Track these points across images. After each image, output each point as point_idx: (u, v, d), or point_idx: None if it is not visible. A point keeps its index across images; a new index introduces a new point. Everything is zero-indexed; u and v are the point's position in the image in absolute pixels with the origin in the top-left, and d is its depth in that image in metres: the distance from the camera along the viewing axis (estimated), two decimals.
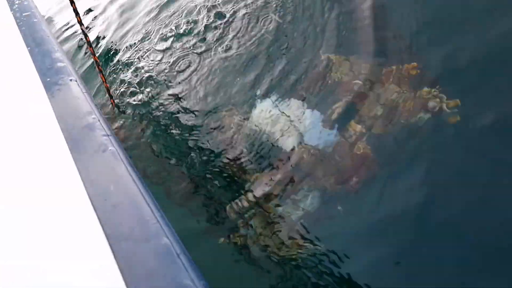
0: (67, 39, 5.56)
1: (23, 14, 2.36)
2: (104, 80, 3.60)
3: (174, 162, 3.40)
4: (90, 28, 5.48)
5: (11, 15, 2.37)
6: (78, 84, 1.77)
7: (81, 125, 1.55)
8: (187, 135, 3.52)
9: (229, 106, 3.52)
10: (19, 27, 2.23)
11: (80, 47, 5.24)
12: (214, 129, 3.43)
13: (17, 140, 1.55)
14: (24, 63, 1.93)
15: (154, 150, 3.58)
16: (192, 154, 3.33)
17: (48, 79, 1.81)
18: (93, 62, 4.01)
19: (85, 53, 4.99)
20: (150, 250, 1.15)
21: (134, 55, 4.54)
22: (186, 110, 3.69)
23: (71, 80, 1.79)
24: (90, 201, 1.25)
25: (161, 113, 3.80)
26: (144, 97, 4.00)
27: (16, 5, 2.47)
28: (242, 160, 3.11)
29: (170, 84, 3.98)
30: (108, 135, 1.50)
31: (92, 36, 5.17)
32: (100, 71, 3.60)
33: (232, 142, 3.28)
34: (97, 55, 4.83)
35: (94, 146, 1.45)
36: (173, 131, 3.60)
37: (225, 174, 3.11)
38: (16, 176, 1.44)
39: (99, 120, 1.56)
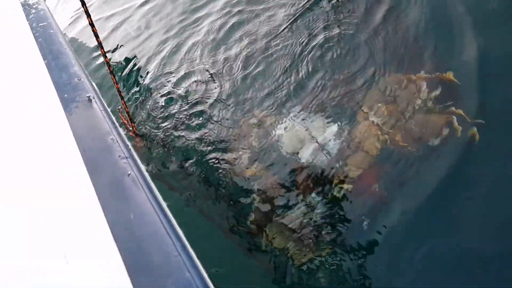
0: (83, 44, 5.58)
1: (40, 24, 2.34)
2: (114, 81, 3.54)
3: (190, 166, 3.41)
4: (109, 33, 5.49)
5: (28, 25, 2.35)
6: (96, 101, 1.74)
7: (99, 146, 1.52)
8: (206, 143, 3.54)
9: (254, 117, 3.53)
10: (36, 38, 2.21)
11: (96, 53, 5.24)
12: (235, 138, 3.44)
13: (36, 160, 1.53)
14: (42, 77, 1.91)
15: (171, 153, 3.59)
16: (213, 163, 3.35)
17: (66, 95, 1.79)
18: (108, 70, 4.00)
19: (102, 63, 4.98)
20: (171, 285, 1.12)
21: (152, 64, 4.55)
22: (211, 120, 3.70)
23: (88, 97, 1.76)
24: (110, 230, 1.23)
25: (178, 118, 3.81)
26: (160, 103, 4.00)
27: (33, 15, 2.46)
28: (261, 168, 3.11)
29: (189, 96, 3.98)
30: (127, 157, 1.47)
31: (110, 41, 5.19)
32: (111, 72, 3.53)
33: (251, 150, 3.29)
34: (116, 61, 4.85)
35: (113, 169, 1.42)
36: (191, 136, 3.62)
37: (241, 180, 3.13)
38: (32, 198, 1.42)
39: (117, 141, 1.53)
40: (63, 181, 1.44)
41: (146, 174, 1.44)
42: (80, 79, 1.87)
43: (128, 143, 1.62)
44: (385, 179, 2.74)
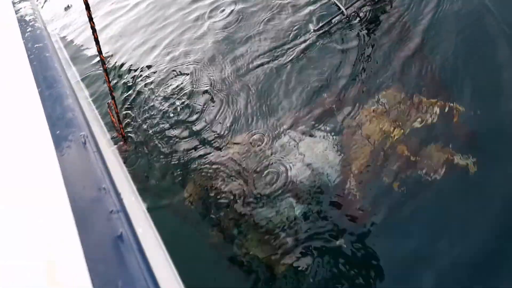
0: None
1: (35, 45, 2.25)
2: (107, 80, 3.43)
3: (176, 177, 3.44)
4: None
5: (23, 45, 2.27)
6: (89, 141, 1.67)
7: (90, 197, 1.45)
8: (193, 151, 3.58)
9: (249, 134, 3.55)
10: (30, 61, 2.12)
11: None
12: (225, 151, 3.47)
13: (21, 207, 1.46)
14: (35, 108, 1.83)
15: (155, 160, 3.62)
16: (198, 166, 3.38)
17: (58, 132, 1.71)
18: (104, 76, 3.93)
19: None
20: None
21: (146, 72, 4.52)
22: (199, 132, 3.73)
23: (82, 135, 1.69)
24: None
25: (168, 126, 3.83)
26: (156, 116, 4.01)
27: (29, 33, 2.37)
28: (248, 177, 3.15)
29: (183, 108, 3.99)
30: (118, 212, 1.40)
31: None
32: (105, 70, 3.41)
33: (240, 163, 3.33)
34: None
35: (103, 226, 1.36)
36: (179, 146, 3.69)
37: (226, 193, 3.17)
38: (11, 250, 1.35)
39: (109, 191, 1.46)
40: (50, 236, 1.36)
41: (138, 232, 1.37)
42: (74, 114, 1.79)
43: (121, 191, 1.55)
44: (370, 200, 2.79)
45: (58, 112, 1.80)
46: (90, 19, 3.16)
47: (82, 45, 5.50)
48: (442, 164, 2.73)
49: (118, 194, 1.50)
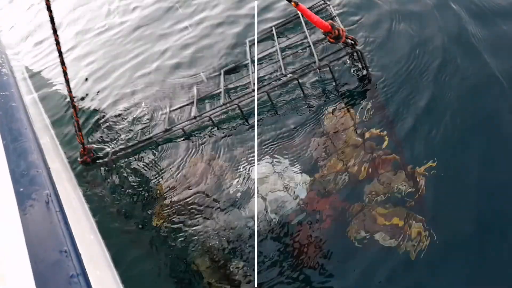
0: None
1: (1, 93, 2.31)
2: (69, 90, 3.43)
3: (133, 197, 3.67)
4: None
5: None
6: (52, 200, 1.76)
7: (51, 260, 1.54)
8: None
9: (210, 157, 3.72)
10: None
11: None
12: (185, 175, 3.66)
13: None
14: None
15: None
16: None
17: (21, 189, 1.79)
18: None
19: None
20: None
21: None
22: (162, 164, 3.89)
23: (45, 194, 1.77)
24: None
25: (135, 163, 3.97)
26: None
27: None
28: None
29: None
30: (78, 275, 1.50)
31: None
32: (67, 81, 3.41)
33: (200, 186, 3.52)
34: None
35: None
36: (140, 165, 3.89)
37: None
38: None
39: (70, 255, 1.56)
40: None
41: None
42: (38, 171, 1.87)
43: (81, 251, 1.64)
44: (331, 243, 2.89)
45: (22, 168, 1.88)
46: (54, 32, 3.22)
47: (47, 74, 5.55)
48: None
49: (78, 255, 1.60)
